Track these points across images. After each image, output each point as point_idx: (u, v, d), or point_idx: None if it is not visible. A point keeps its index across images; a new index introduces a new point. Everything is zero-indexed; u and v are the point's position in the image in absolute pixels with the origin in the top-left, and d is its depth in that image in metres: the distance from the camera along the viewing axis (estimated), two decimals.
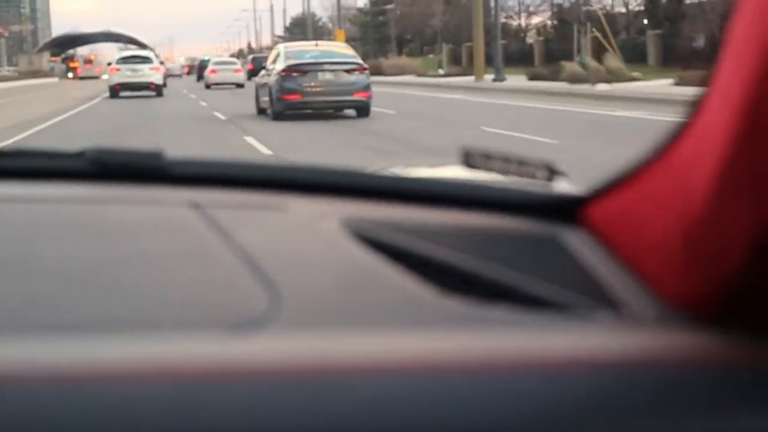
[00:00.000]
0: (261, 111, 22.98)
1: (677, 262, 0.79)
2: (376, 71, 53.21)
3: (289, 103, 20.69)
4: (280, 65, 21.19)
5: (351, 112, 21.21)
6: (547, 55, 47.70)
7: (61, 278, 0.83)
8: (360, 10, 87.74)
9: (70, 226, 0.96)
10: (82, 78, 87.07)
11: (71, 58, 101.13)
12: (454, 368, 0.71)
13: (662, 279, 0.81)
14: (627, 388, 0.71)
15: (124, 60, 36.98)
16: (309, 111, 20.71)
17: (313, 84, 20.75)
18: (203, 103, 30.40)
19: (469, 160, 1.14)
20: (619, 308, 0.82)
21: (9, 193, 1.05)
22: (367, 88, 21.02)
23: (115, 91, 35.45)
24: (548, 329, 0.78)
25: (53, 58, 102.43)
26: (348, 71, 21.01)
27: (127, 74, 35.59)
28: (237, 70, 49.35)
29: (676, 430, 0.70)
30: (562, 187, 1.11)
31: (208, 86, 47.05)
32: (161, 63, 44.04)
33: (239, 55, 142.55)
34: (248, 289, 0.81)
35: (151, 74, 36.02)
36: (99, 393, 0.66)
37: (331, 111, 21.05)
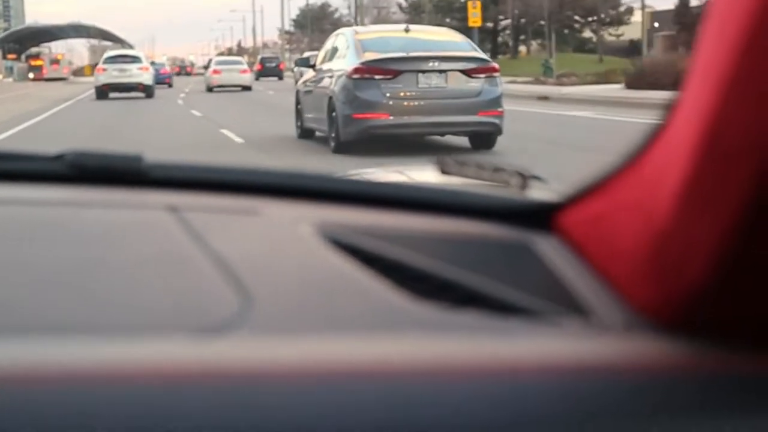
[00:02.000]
0: (306, 134, 14.77)
1: (645, 270, 0.81)
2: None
3: (368, 125, 12.30)
4: (348, 61, 12.87)
5: (453, 139, 13.03)
6: None
7: (35, 281, 0.84)
8: None
9: (47, 229, 0.97)
10: (47, 80, 79.07)
11: (36, 56, 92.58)
12: (422, 372, 0.73)
13: (630, 286, 0.84)
14: (591, 393, 0.73)
15: (112, 59, 35.47)
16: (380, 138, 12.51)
17: (409, 93, 12.51)
18: (196, 113, 22.04)
19: (443, 166, 1.20)
20: (586, 315, 0.84)
21: None
22: (498, 102, 12.79)
23: (103, 92, 33.84)
24: (516, 335, 0.80)
25: (11, 56, 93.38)
26: (467, 73, 12.76)
27: (114, 74, 34.10)
28: (243, 71, 44.25)
29: None
30: (536, 193, 1.12)
31: (210, 89, 42.43)
32: (152, 63, 41.83)
33: (228, 54, 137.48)
34: (219, 293, 0.83)
35: (141, 74, 34.44)
36: (67, 394, 0.66)
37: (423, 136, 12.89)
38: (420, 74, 12.51)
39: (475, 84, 12.64)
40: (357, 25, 77.38)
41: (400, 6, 79.43)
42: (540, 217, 0.98)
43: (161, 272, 0.87)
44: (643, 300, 0.82)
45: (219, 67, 44.65)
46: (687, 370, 0.76)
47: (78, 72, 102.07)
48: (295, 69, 52.64)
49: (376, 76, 12.43)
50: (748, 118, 0.69)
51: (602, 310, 0.84)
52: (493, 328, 0.81)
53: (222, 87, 42.60)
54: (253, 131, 16.32)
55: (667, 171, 0.78)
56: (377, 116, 12.34)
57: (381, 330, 0.78)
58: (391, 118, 12.33)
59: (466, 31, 15.99)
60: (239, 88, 42.23)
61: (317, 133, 14.24)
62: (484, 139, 12.73)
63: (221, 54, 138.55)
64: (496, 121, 12.62)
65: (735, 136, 0.70)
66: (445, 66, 12.61)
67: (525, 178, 1.13)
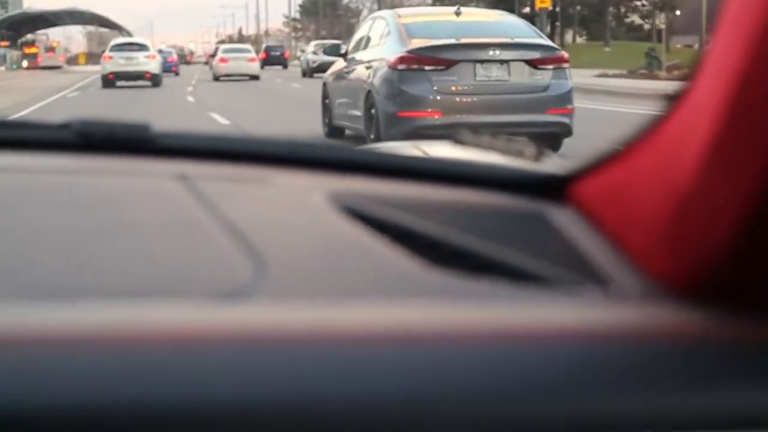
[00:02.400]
0: (335, 132, 12.86)
1: (664, 239, 0.80)
2: None
3: (416, 124, 10.34)
4: (390, 49, 10.93)
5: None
6: None
7: (46, 247, 0.84)
8: None
9: (56, 196, 0.97)
10: (42, 68, 77.27)
11: (30, 44, 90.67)
12: (439, 337, 0.72)
13: (649, 256, 0.82)
14: (611, 361, 0.73)
15: (119, 47, 34.99)
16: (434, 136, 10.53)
17: (464, 88, 10.57)
18: (219, 118, 19.02)
19: (458, 137, 1.22)
20: (605, 284, 0.84)
21: None
22: (569, 98, 10.85)
23: (109, 80, 33.21)
24: (533, 302, 0.80)
25: (4, 43, 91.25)
26: (533, 63, 10.81)
27: (120, 62, 33.51)
28: (251, 59, 42.55)
29: (659, 404, 0.71)
30: (551, 164, 1.11)
31: (216, 78, 40.75)
32: (159, 51, 42.97)
33: (229, 42, 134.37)
34: (233, 260, 0.83)
35: (147, 63, 33.84)
36: (83, 356, 0.67)
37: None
38: (477, 65, 10.62)
39: (543, 76, 10.75)
40: (373, 11, 72.12)
41: None
42: (555, 187, 0.98)
43: (174, 239, 0.87)
44: (662, 268, 0.80)
45: (226, 56, 42.55)
46: (706, 338, 0.75)
47: (72, 60, 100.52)
48: (302, 58, 51.50)
49: (426, 67, 10.52)
50: None
51: (620, 279, 0.83)
52: (510, 296, 0.80)
53: (229, 76, 40.77)
54: (278, 130, 14.32)
55: (690, 134, 0.76)
56: (427, 114, 10.44)
57: (395, 296, 0.78)
58: (444, 116, 10.41)
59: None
60: (247, 78, 40.81)
61: (351, 131, 12.35)
62: (549, 140, 10.81)
63: (221, 42, 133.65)
64: (566, 120, 10.74)
65: (762, 99, 0.69)
66: (506, 55, 10.70)
67: (539, 150, 1.12)
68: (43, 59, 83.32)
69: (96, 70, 48.39)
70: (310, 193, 0.98)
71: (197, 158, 1.07)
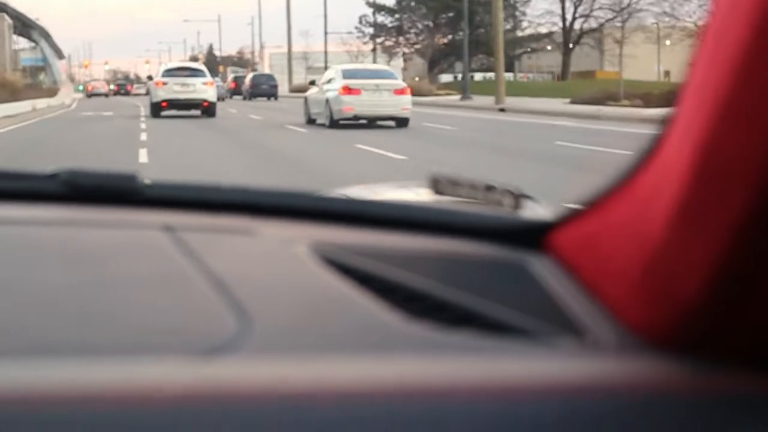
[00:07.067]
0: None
1: (637, 290, 0.84)
2: None
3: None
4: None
5: None
6: None
7: (31, 302, 0.85)
8: None
9: (41, 248, 0.99)
10: None
11: None
12: (418, 393, 0.75)
13: (624, 306, 0.86)
14: (586, 413, 0.75)
15: (171, 72, 32.19)
16: None
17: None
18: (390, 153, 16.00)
19: (436, 186, 1.28)
20: (581, 335, 0.87)
21: None
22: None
23: (160, 108, 31.36)
24: (510, 354, 0.83)
25: None
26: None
27: (175, 89, 31.31)
28: (399, 90, 25.84)
29: None
30: (530, 212, 1.17)
31: (335, 122, 25.16)
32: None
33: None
34: (218, 314, 0.85)
35: (205, 90, 31.74)
36: (65, 416, 0.68)
37: None
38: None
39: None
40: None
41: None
42: (533, 236, 1.01)
43: (159, 293, 0.89)
44: (637, 319, 0.84)
45: (356, 83, 25.35)
46: (681, 389, 0.78)
47: None
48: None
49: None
50: (742, 137, 0.70)
51: (596, 330, 0.86)
52: (488, 348, 0.83)
53: (359, 119, 25.31)
54: None
55: (660, 191, 0.79)
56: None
57: (377, 350, 0.81)
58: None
59: None
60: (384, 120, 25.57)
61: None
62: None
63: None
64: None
65: (729, 156, 0.71)
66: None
67: (517, 198, 1.18)
68: None
69: None
70: (294, 244, 1.01)
71: (183, 209, 1.11)
